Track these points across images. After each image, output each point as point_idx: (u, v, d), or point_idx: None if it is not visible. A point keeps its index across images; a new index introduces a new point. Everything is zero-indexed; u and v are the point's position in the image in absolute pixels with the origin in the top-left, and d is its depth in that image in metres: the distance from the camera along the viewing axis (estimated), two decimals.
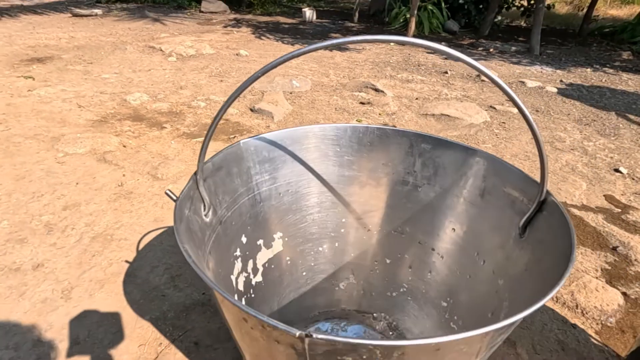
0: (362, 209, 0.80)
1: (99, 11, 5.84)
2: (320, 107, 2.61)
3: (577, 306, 1.07)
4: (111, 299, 1.02)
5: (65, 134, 1.91)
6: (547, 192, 0.51)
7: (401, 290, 0.83)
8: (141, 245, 1.22)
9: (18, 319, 0.95)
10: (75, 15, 5.57)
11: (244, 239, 0.68)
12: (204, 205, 0.55)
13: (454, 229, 0.72)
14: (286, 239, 0.78)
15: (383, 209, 0.79)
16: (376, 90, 2.93)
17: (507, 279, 0.58)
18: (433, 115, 2.50)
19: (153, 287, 1.07)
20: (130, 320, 0.97)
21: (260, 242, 0.73)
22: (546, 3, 4.77)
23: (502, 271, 0.59)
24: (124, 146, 1.86)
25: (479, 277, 0.65)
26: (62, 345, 0.89)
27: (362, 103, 2.71)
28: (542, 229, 0.53)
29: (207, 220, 0.56)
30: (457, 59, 0.42)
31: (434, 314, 0.78)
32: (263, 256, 0.74)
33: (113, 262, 1.15)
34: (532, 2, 5.82)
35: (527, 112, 0.45)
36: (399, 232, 0.80)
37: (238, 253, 0.66)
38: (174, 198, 0.51)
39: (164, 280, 1.09)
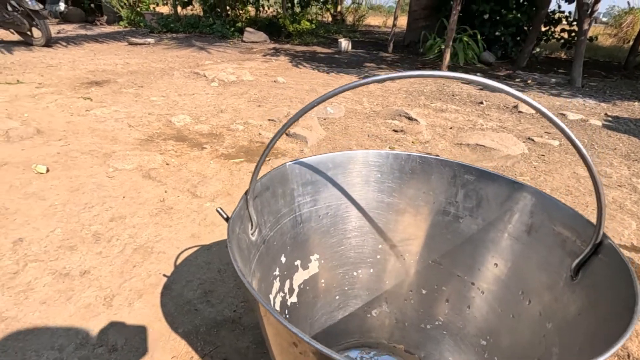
0: (400, 237, 0.79)
1: (151, 40, 6.37)
2: (353, 133, 2.65)
3: (628, 356, 0.98)
4: (148, 309, 1.06)
5: (116, 151, 2.06)
6: (604, 234, 0.49)
7: (436, 323, 0.80)
8: (178, 260, 1.26)
9: (64, 322, 1.00)
10: (131, 43, 6.10)
11: (283, 259, 0.70)
12: (252, 225, 0.57)
13: (496, 264, 0.69)
14: (322, 261, 0.78)
15: (421, 238, 0.78)
16: (409, 118, 2.94)
17: (557, 323, 0.55)
18: (468, 145, 2.46)
19: (187, 301, 1.10)
20: (165, 331, 1.00)
21: (298, 262, 0.74)
22: (588, 35, 4.67)
23: (551, 314, 0.56)
24: (167, 164, 1.97)
25: (523, 317, 0.61)
26: (102, 350, 0.93)
27: (395, 131, 2.72)
28: (597, 273, 0.50)
29: (253, 239, 0.59)
30: (517, 98, 0.43)
31: (472, 352, 0.74)
32: (299, 277, 0.75)
33: (152, 273, 1.19)
34: (572, 34, 5.72)
35: (580, 145, 0.44)
36: (436, 263, 0.78)
37: (277, 273, 0.68)
38: (225, 216, 0.53)
39: (197, 295, 1.12)
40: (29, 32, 5.22)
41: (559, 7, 5.99)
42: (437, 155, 0.76)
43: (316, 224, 0.75)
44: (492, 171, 0.70)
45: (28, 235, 1.33)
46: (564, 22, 5.93)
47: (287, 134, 2.54)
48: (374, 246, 0.81)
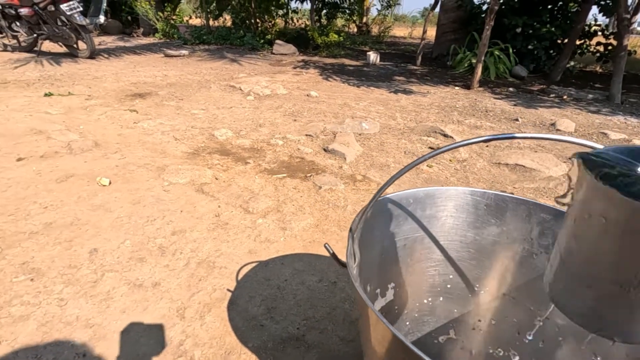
0: (472, 268, 0.83)
1: (185, 52, 6.64)
2: (390, 150, 2.69)
3: None
4: (218, 323, 1.13)
5: (168, 165, 2.18)
6: None
7: (506, 354, 0.83)
8: (239, 275, 1.34)
9: (144, 331, 1.09)
10: (167, 55, 6.38)
11: (368, 288, 0.75)
12: (354, 260, 0.63)
13: None
14: (397, 289, 0.83)
15: (494, 270, 0.82)
16: (445, 135, 2.96)
17: None
18: (507, 164, 2.46)
19: (252, 317, 1.17)
20: (236, 345, 1.06)
21: (378, 291, 0.79)
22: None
23: None
24: (216, 179, 2.07)
25: (608, 357, 0.64)
26: None
27: (431, 148, 2.75)
28: None
29: (355, 273, 0.64)
30: None
31: None
32: (378, 304, 0.80)
33: (216, 288, 1.27)
34: (609, 47, 5.58)
35: None
36: (508, 296, 0.81)
37: None
38: (331, 252, 0.60)
39: (261, 311, 1.19)
40: (75, 45, 5.56)
41: (595, 20, 5.87)
42: (512, 193, 0.80)
43: (394, 254, 0.80)
44: None
45: (101, 246, 1.44)
46: (600, 34, 5.80)
47: (325, 150, 2.61)
48: (445, 276, 0.86)
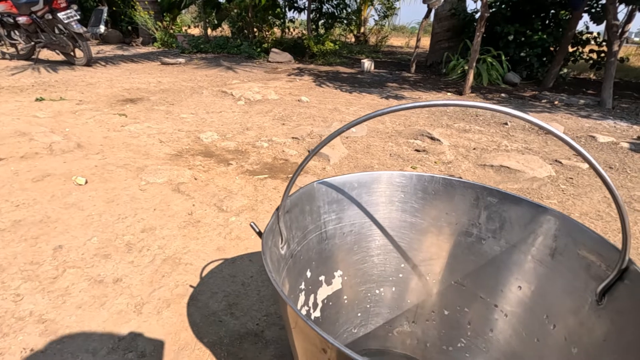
0: (423, 257, 0.81)
1: (182, 60, 6.71)
2: (375, 152, 2.67)
3: None
4: (175, 318, 1.10)
5: (148, 165, 2.17)
6: (630, 260, 0.49)
7: (459, 345, 0.80)
8: (204, 272, 1.31)
9: (97, 326, 1.06)
10: (164, 63, 6.45)
11: (308, 274, 0.72)
12: (282, 239, 0.61)
13: (519, 287, 0.69)
14: (345, 277, 0.81)
15: (444, 258, 0.79)
16: (432, 138, 2.95)
17: (582, 348, 0.54)
18: (492, 166, 2.43)
19: (212, 312, 1.14)
20: (191, 341, 1.03)
21: (322, 278, 0.76)
22: (619, 56, 4.56)
23: (577, 339, 0.55)
24: (195, 179, 2.05)
25: (548, 342, 0.61)
26: (132, 355, 0.97)
27: (417, 150, 2.73)
28: (622, 298, 0.50)
29: (282, 252, 0.62)
30: (517, 117, 0.46)
31: None
32: (323, 292, 0.77)
33: (179, 284, 1.24)
34: (602, 55, 5.60)
35: (598, 166, 0.46)
36: (459, 284, 0.78)
37: (302, 286, 0.71)
38: (257, 231, 0.57)
39: (222, 307, 1.16)
40: (72, 53, 5.63)
41: (587, 28, 5.91)
42: (460, 177, 0.78)
43: (340, 240, 0.78)
44: (515, 194, 0.71)
45: (67, 243, 1.41)
46: (592, 42, 5.83)
47: (309, 152, 2.60)
48: (397, 265, 0.83)
